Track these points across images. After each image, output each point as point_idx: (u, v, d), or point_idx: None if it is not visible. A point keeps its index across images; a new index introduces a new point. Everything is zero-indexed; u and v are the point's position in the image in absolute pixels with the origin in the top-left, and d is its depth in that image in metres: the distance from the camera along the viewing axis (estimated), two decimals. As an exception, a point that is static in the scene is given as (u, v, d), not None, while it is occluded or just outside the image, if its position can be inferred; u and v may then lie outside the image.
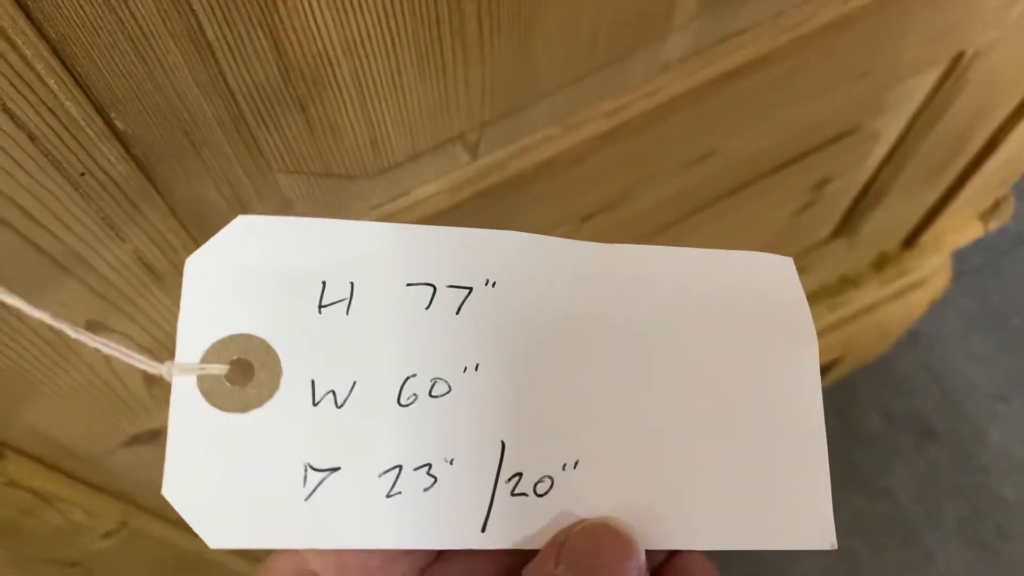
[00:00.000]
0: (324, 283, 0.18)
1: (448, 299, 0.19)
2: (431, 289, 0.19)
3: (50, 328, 0.24)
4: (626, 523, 0.19)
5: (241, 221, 0.18)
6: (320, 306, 0.18)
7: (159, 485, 0.33)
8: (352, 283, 0.18)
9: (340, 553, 0.18)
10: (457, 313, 0.19)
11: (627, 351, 0.20)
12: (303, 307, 0.18)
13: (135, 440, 0.31)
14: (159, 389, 0.29)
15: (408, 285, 0.19)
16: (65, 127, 0.19)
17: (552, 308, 0.19)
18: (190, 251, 0.24)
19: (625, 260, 0.20)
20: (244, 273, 0.18)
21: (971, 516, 0.83)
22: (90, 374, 0.27)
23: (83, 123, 0.19)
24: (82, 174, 0.20)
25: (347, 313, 0.18)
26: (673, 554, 0.20)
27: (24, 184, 0.19)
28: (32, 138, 0.18)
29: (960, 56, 0.40)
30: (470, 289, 0.19)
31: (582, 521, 0.19)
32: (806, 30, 0.31)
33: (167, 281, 0.25)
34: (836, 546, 0.20)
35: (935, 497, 0.84)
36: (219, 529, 0.17)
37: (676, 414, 0.20)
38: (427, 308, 0.19)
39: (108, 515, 0.33)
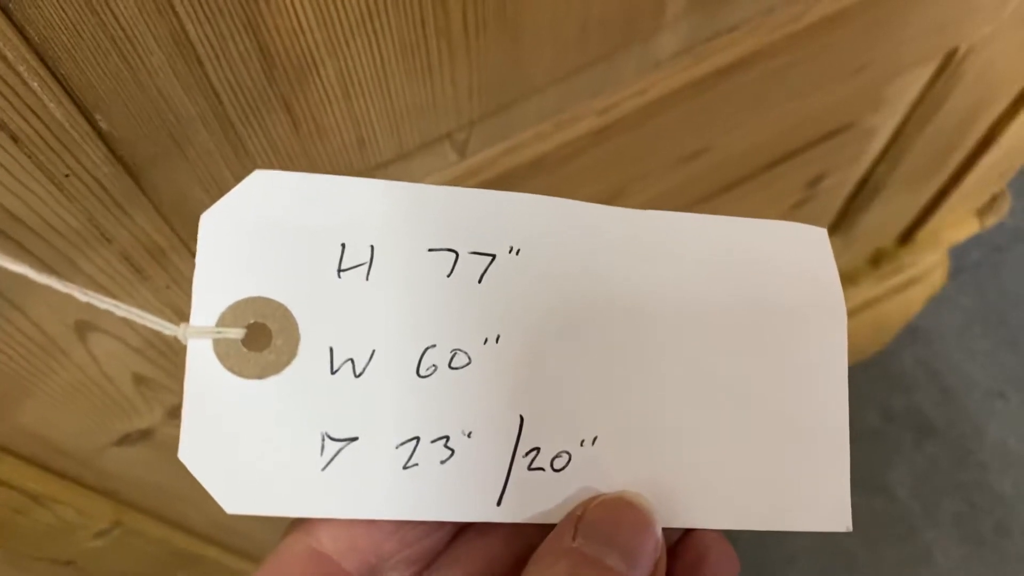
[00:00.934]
0: (343, 246, 0.18)
1: (470, 267, 0.18)
2: (453, 255, 0.18)
3: (40, 329, 0.24)
4: (644, 498, 0.18)
5: (258, 176, 0.18)
6: (339, 270, 0.18)
7: (151, 484, 0.33)
8: (372, 247, 0.18)
9: (352, 535, 0.18)
10: (479, 282, 0.18)
11: (650, 323, 0.19)
12: (322, 271, 0.18)
13: (126, 440, 0.31)
14: (148, 389, 0.29)
15: (430, 251, 0.18)
16: (49, 129, 0.19)
17: (576, 277, 0.19)
18: (178, 251, 0.24)
19: (654, 227, 0.19)
20: (261, 232, 0.17)
21: (969, 512, 0.83)
22: (80, 375, 0.27)
23: (67, 124, 0.19)
24: (67, 175, 0.20)
25: (367, 279, 0.18)
26: (689, 531, 0.20)
27: (8, 185, 0.19)
28: (15, 139, 0.18)
29: (954, 52, 0.40)
30: (493, 256, 0.19)
31: (599, 496, 0.18)
32: (798, 27, 0.31)
33: (154, 281, 0.25)
34: (851, 528, 0.20)
35: (933, 494, 0.83)
36: (235, 495, 0.17)
37: (698, 390, 0.19)
38: (448, 276, 0.18)
39: (100, 514, 0.33)
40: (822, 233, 0.20)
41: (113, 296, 0.24)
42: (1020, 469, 0.84)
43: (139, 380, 0.28)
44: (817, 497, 0.19)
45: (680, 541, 0.20)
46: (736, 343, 0.19)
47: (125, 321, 0.26)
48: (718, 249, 0.20)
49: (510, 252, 0.19)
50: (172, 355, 0.28)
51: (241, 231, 0.17)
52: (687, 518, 0.19)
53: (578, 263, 0.19)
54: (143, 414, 0.30)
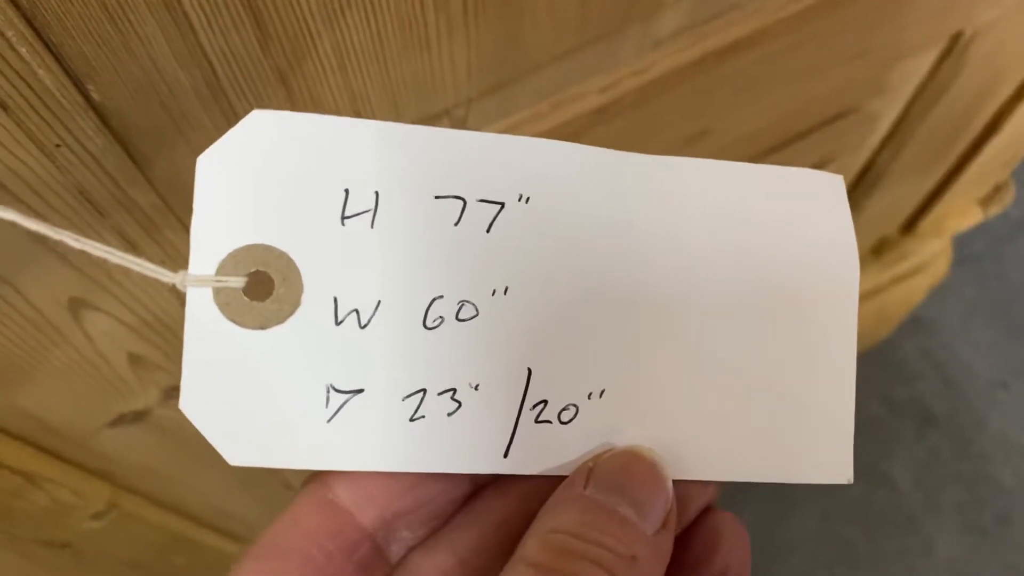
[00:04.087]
0: (347, 191, 0.17)
1: (479, 215, 0.18)
2: (461, 203, 0.18)
3: (32, 306, 0.24)
4: (655, 452, 0.19)
5: (256, 116, 0.17)
6: (343, 217, 0.17)
7: (147, 467, 0.32)
8: (377, 193, 0.17)
9: (369, 488, 0.18)
10: (488, 231, 0.18)
11: (660, 274, 0.19)
12: (325, 217, 0.17)
13: (121, 420, 0.30)
14: (144, 369, 0.29)
15: (437, 198, 0.17)
16: (39, 97, 0.19)
17: (586, 226, 0.18)
18: (172, 226, 0.24)
19: (667, 172, 0.19)
20: (260, 175, 0.17)
21: (970, 503, 0.82)
22: (74, 354, 0.27)
23: (57, 93, 0.19)
24: (57, 145, 0.20)
25: (372, 226, 0.17)
26: (703, 513, 0.20)
27: (-3, 155, 0.19)
28: (4, 107, 0.18)
29: (959, 36, 0.40)
30: (502, 204, 0.18)
31: (611, 449, 0.19)
32: (802, 7, 0.31)
33: (148, 256, 0.24)
34: (852, 481, 0.20)
35: (934, 484, 0.83)
36: (238, 447, 0.17)
37: (706, 344, 0.19)
38: (456, 224, 0.18)
39: (97, 496, 0.33)
40: (838, 180, 0.20)
41: (107, 271, 0.24)
42: (1021, 459, 0.84)
43: (134, 360, 0.28)
44: (820, 450, 0.19)
45: (695, 523, 0.20)
46: (746, 295, 0.19)
47: (119, 299, 0.26)
48: (732, 196, 0.19)
49: (520, 200, 0.18)
50: (167, 334, 0.28)
51: (240, 174, 0.17)
52: (692, 470, 0.19)
53: (589, 212, 0.18)
54: (138, 395, 0.30)
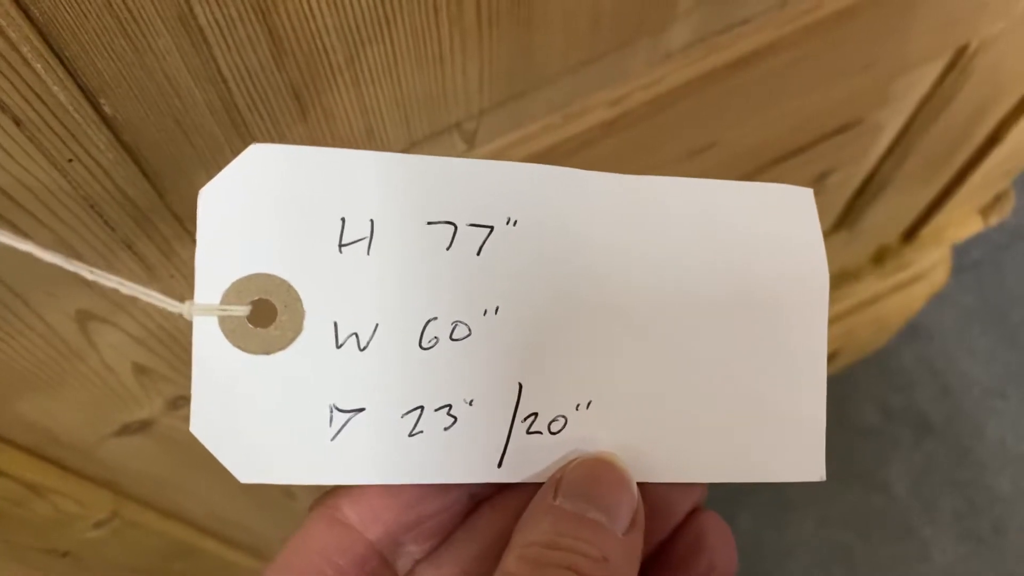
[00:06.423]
0: (343, 220, 0.18)
1: (469, 239, 0.19)
2: (452, 228, 0.18)
3: (40, 318, 0.24)
4: (619, 457, 0.19)
5: (255, 150, 0.18)
6: (340, 245, 0.18)
7: (150, 475, 0.32)
8: (372, 221, 0.18)
9: (375, 507, 0.19)
10: (478, 254, 0.19)
11: (641, 289, 0.20)
12: (323, 246, 0.18)
13: (126, 430, 0.30)
14: (149, 380, 0.28)
15: (429, 224, 0.18)
16: (52, 112, 0.18)
17: (572, 246, 0.19)
18: (182, 240, 0.24)
19: (648, 192, 0.20)
20: (260, 207, 0.18)
21: (967, 511, 0.83)
22: (80, 364, 0.27)
23: (71, 108, 0.19)
24: (69, 160, 0.20)
25: (368, 253, 0.18)
26: (689, 515, 0.21)
27: (9, 170, 0.19)
28: (17, 123, 0.18)
29: (964, 48, 0.40)
30: (491, 228, 0.19)
31: (576, 458, 0.19)
32: (810, 20, 0.31)
33: (158, 270, 0.24)
34: (825, 478, 0.21)
35: (931, 491, 0.84)
36: (248, 466, 0.18)
37: (685, 351, 0.20)
38: (448, 248, 0.18)
39: (99, 505, 0.33)
40: (808, 193, 0.21)
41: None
42: (1018, 468, 0.84)
43: (139, 370, 0.28)
44: (794, 450, 0.20)
45: (681, 524, 0.21)
46: (723, 305, 0.20)
47: (126, 311, 0.26)
48: (709, 213, 0.20)
49: (507, 223, 0.19)
50: (173, 345, 0.28)
51: (241, 207, 0.17)
52: (673, 473, 0.20)
53: (574, 232, 0.19)
54: (143, 405, 0.30)
